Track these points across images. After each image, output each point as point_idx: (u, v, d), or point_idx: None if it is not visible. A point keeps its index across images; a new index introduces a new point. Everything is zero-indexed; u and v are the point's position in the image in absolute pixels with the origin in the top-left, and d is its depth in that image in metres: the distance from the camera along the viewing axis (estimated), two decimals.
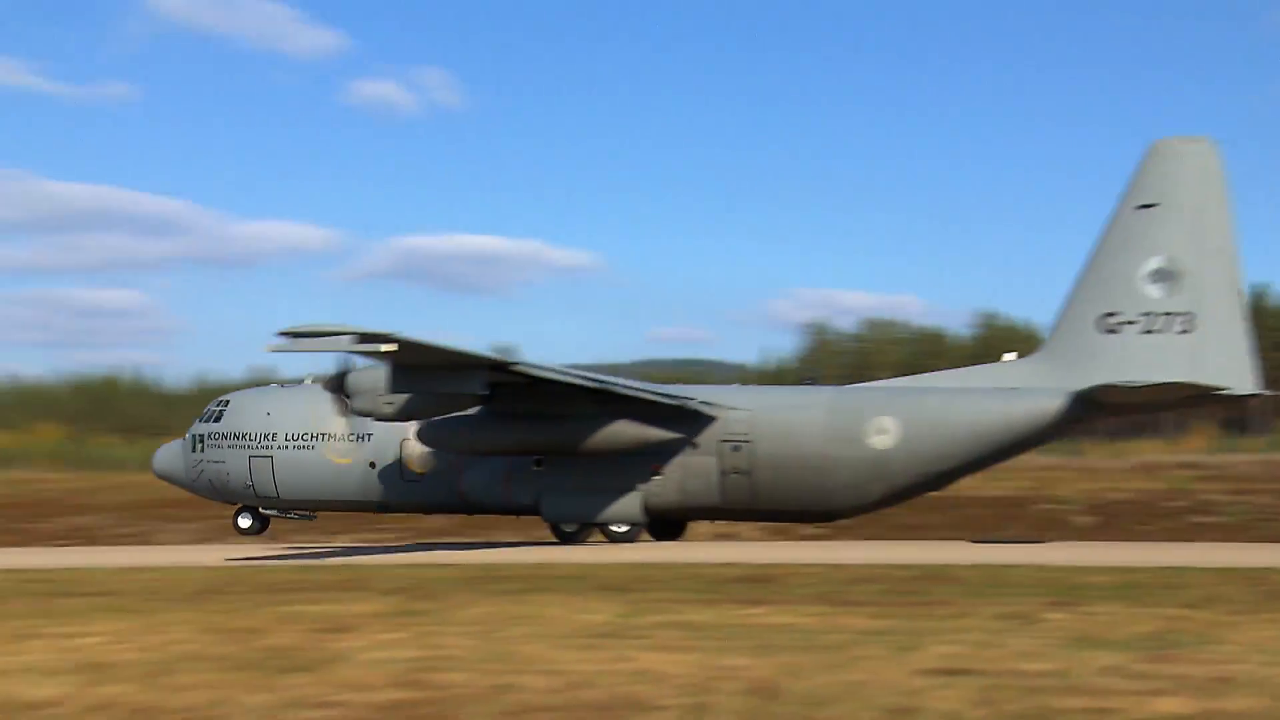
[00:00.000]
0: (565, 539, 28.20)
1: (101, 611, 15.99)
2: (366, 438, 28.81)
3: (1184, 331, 25.33)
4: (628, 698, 9.52)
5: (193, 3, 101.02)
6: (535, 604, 15.67)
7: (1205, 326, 25.17)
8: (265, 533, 31.25)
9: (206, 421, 30.45)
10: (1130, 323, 25.78)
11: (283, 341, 25.01)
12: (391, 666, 11.06)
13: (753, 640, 12.38)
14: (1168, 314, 25.44)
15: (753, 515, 29.30)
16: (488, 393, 25.88)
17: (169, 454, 31.55)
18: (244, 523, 30.76)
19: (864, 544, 28.25)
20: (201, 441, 30.25)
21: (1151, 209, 25.66)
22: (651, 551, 25.64)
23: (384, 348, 24.08)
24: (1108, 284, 26.05)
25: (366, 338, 24.00)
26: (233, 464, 29.80)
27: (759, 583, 18.07)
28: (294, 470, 29.39)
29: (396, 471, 28.80)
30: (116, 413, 59.83)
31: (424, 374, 25.48)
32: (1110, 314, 25.98)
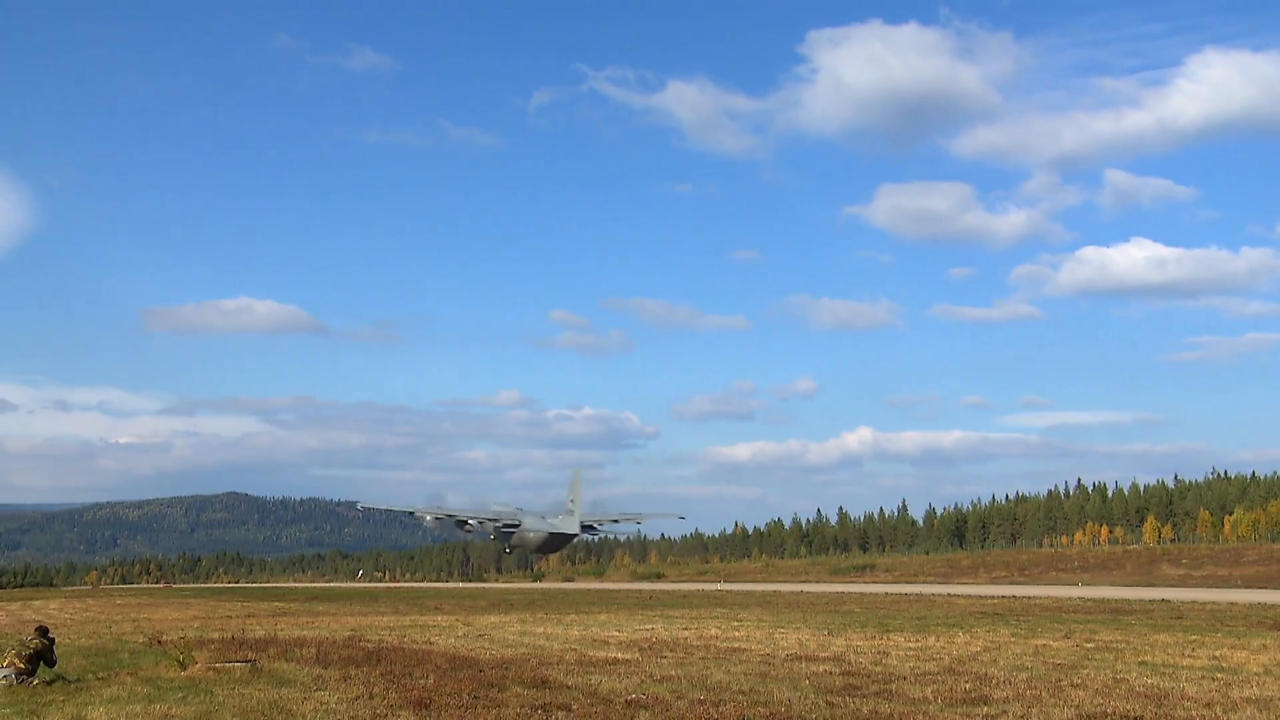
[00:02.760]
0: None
1: None
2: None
3: (571, 515, 72.01)
4: None
5: None
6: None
7: (573, 514, 72.64)
8: None
9: None
10: (569, 513, 73.10)
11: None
12: None
13: None
14: (570, 512, 72.90)
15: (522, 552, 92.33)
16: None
17: None
18: None
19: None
20: None
21: (574, 482, 76.91)
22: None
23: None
24: (571, 501, 74.89)
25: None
26: None
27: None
28: None
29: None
30: None
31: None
32: (570, 510, 73.54)
